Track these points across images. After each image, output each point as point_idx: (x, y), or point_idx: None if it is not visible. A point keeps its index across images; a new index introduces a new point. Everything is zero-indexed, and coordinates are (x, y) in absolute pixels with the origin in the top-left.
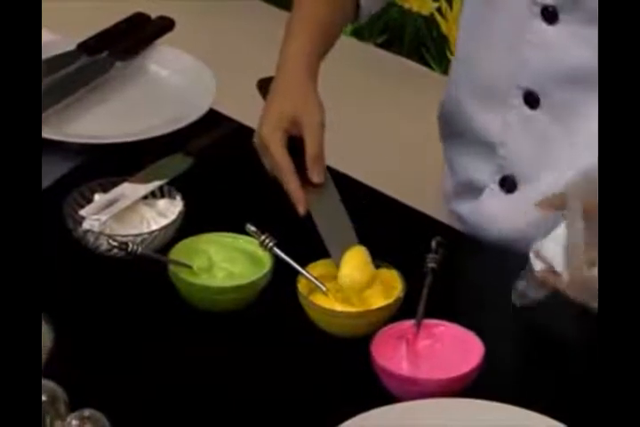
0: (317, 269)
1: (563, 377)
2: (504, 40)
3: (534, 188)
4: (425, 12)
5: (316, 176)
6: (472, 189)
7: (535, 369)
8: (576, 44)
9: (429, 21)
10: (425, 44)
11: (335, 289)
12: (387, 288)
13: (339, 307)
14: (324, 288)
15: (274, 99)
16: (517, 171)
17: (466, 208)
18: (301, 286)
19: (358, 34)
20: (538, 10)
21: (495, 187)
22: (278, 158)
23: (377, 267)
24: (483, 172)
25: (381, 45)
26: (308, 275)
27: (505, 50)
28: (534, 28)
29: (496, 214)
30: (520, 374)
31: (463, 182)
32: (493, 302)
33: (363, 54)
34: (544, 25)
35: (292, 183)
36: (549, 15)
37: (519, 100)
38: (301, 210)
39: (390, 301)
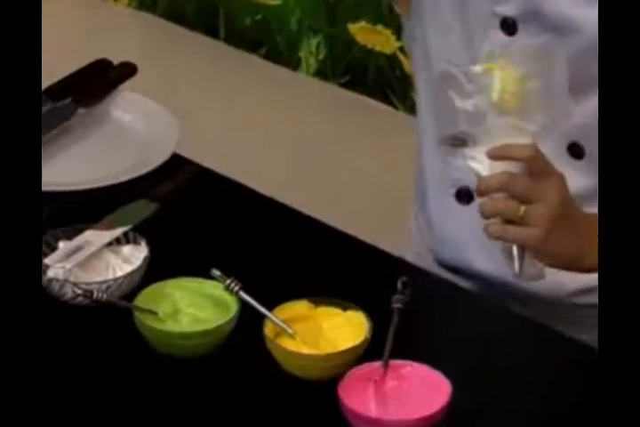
0: (284, 311)
1: (531, 416)
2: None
3: None
4: (388, 51)
5: None
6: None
7: (503, 408)
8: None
9: (392, 60)
10: (388, 83)
11: (302, 332)
12: (354, 329)
13: (305, 350)
14: (290, 331)
15: None
16: None
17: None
18: (268, 329)
19: (321, 74)
20: (497, 21)
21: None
22: None
23: (344, 309)
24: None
25: (345, 85)
26: (274, 318)
27: (466, 59)
28: (493, 39)
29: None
30: (487, 413)
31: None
32: (460, 341)
33: (326, 94)
34: (502, 36)
35: None
36: (508, 26)
37: None
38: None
39: (357, 342)
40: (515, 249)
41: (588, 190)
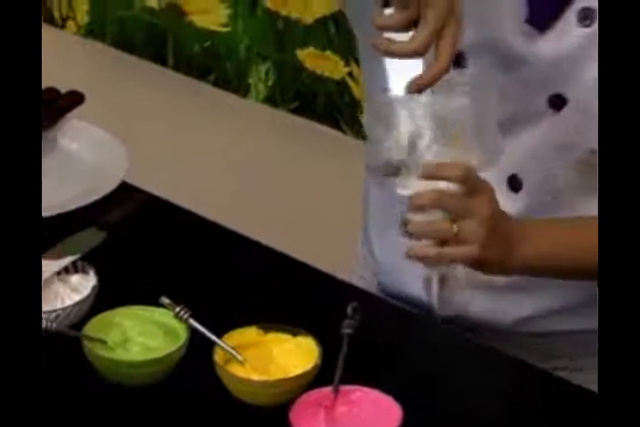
0: (233, 338)
1: None
2: None
3: None
4: (337, 76)
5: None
6: None
7: None
8: (484, 89)
9: (341, 86)
10: (338, 108)
11: (252, 358)
12: (304, 355)
13: (256, 376)
14: (240, 358)
15: None
16: None
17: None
18: (218, 356)
19: (270, 100)
20: None
21: None
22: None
23: (294, 334)
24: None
25: (294, 111)
26: (223, 345)
27: None
28: None
29: None
30: None
31: None
32: (410, 366)
33: (276, 120)
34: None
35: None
36: (458, 59)
37: None
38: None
39: (307, 368)
40: (434, 277)
41: (521, 216)
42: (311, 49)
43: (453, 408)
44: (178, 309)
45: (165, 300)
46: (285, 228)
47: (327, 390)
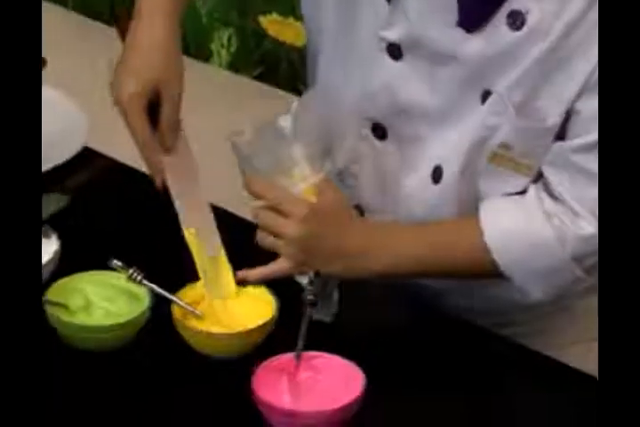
0: (188, 295)
1: (448, 408)
2: (355, 73)
3: (380, 218)
4: (299, 43)
5: (168, 141)
6: None
7: (420, 400)
8: (417, 81)
9: (303, 53)
10: (300, 75)
11: (209, 312)
12: (261, 306)
13: (215, 329)
14: (198, 312)
15: (133, 56)
16: (364, 202)
17: None
18: (176, 313)
19: (233, 67)
20: (384, 46)
21: None
22: (137, 129)
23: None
24: None
25: (257, 77)
26: (178, 301)
27: (357, 82)
28: (381, 62)
29: None
30: (401, 403)
31: None
32: (370, 332)
33: (239, 87)
34: (390, 60)
35: (148, 152)
36: (394, 51)
37: (367, 132)
38: (158, 181)
39: (267, 318)
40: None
41: (440, 207)
42: (274, 15)
43: (416, 373)
44: (131, 271)
45: (117, 262)
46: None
47: (290, 356)
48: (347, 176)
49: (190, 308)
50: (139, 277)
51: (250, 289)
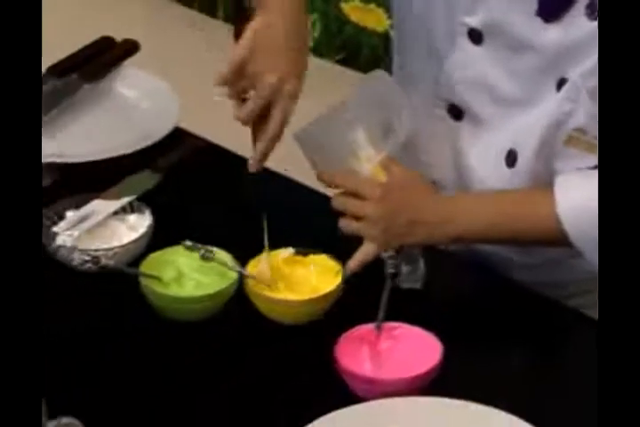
0: (256, 265)
1: (521, 375)
2: (434, 54)
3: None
4: (380, 29)
5: (280, 134)
6: None
7: (494, 367)
8: (496, 66)
9: (385, 38)
10: (381, 59)
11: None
12: (329, 274)
13: (289, 296)
14: (267, 281)
15: (272, 48)
16: (438, 178)
17: None
18: (249, 282)
19: (317, 51)
20: (465, 30)
21: None
22: (279, 120)
23: (305, 255)
24: None
25: (340, 62)
26: (247, 273)
27: (434, 63)
28: (461, 45)
29: None
30: (480, 373)
31: None
32: (449, 305)
33: (322, 71)
34: (471, 45)
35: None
36: (475, 36)
37: (443, 112)
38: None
39: (333, 286)
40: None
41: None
42: (356, 1)
43: (493, 345)
44: (202, 251)
45: (188, 243)
46: None
47: (370, 326)
48: (421, 152)
49: (262, 275)
50: (209, 256)
51: (317, 257)
